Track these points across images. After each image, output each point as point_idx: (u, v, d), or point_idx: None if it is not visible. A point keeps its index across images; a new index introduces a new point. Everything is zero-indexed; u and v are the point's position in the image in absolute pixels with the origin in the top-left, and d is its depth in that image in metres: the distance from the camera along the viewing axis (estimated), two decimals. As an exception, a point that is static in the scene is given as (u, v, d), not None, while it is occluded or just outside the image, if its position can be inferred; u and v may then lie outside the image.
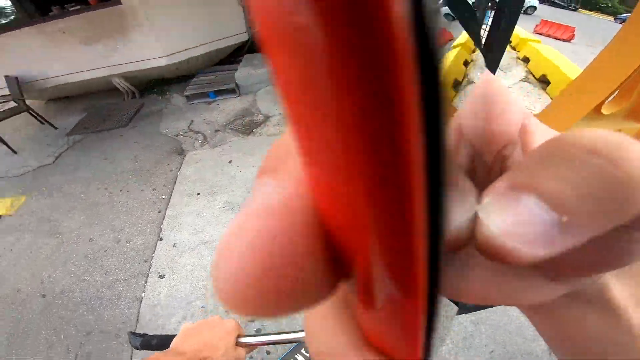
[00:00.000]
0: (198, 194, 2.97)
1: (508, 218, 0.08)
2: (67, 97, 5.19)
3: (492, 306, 0.55)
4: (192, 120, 3.97)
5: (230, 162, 3.22)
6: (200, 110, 4.15)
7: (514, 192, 0.08)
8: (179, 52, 4.18)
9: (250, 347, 0.58)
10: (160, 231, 2.69)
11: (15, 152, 4.03)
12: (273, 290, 0.06)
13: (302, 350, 0.94)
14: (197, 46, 4.33)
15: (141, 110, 4.43)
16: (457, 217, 0.08)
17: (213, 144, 3.54)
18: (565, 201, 0.07)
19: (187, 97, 4.28)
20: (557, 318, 0.15)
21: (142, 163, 3.45)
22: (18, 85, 4.14)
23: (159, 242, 2.60)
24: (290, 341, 0.57)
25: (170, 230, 2.69)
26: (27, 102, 4.39)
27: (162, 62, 4.13)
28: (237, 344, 0.55)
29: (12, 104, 4.23)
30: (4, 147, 4.00)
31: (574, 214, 0.07)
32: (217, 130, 3.75)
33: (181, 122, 3.99)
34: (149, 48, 4.10)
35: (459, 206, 0.08)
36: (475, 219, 0.09)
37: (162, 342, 0.59)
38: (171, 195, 3.00)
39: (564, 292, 0.13)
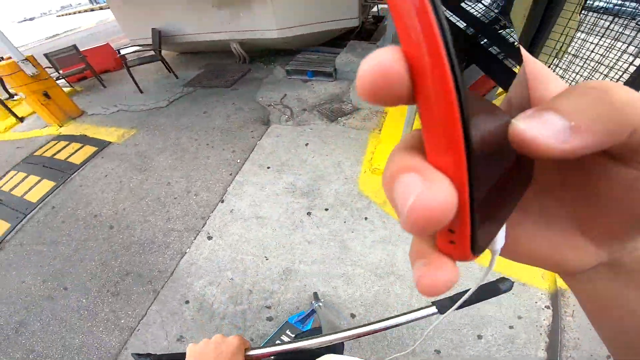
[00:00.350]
0: (268, 167, 2.98)
1: (532, 121, 0.12)
2: (193, 52, 5.86)
3: (471, 304, 0.52)
4: (285, 94, 4.01)
5: (306, 144, 3.14)
6: (295, 86, 4.18)
7: (538, 111, 0.12)
8: (290, 27, 4.23)
9: (259, 358, 0.58)
10: (225, 193, 2.77)
11: (141, 92, 4.72)
12: (383, 87, 0.11)
13: (288, 331, 1.09)
14: (308, 24, 4.32)
15: (246, 75, 4.68)
16: (493, 124, 0.12)
17: (297, 122, 3.51)
18: (572, 112, 0.11)
19: (287, 71, 4.35)
20: (598, 290, 0.17)
21: (231, 124, 3.63)
22: (159, 38, 4.77)
23: (220, 203, 2.69)
24: (295, 350, 0.56)
25: (233, 195, 2.75)
26: (162, 53, 5.07)
27: (274, 34, 4.25)
28: (246, 357, 0.56)
29: (151, 53, 4.94)
30: (134, 86, 4.73)
31: (579, 120, 0.11)
32: (304, 109, 3.70)
33: (275, 94, 4.08)
34: (265, 20, 4.25)
35: (496, 119, 0.13)
36: (509, 125, 0.13)
37: None
38: (245, 161, 3.07)
39: (606, 258, 0.16)
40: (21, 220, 2.94)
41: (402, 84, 0.11)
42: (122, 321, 2.09)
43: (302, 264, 2.23)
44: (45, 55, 5.18)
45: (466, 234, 0.13)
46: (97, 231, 2.67)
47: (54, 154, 3.66)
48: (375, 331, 0.55)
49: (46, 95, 4.08)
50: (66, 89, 5.37)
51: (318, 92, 3.96)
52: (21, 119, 4.65)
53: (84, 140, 3.80)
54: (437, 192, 0.11)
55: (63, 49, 5.26)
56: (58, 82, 5.05)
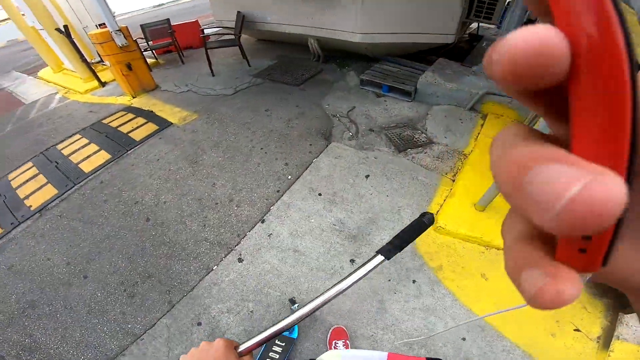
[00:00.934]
0: (320, 194, 2.59)
1: None
2: (270, 41, 5.66)
3: None
4: (354, 107, 3.57)
5: (367, 176, 2.68)
6: (366, 99, 3.71)
7: None
8: (375, 33, 3.74)
9: (250, 350, 0.57)
10: (267, 212, 2.45)
11: (213, 75, 4.64)
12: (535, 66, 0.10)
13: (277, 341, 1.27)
14: (395, 33, 3.78)
15: (317, 75, 4.32)
16: None
17: (360, 144, 3.05)
18: None
19: (361, 80, 3.89)
20: None
21: (291, 130, 3.31)
22: (242, 23, 4.60)
23: (259, 223, 2.39)
24: (282, 330, 0.55)
25: (276, 217, 2.42)
26: (241, 38, 4.92)
27: (356, 38, 3.80)
28: (240, 354, 0.56)
29: (231, 36, 4.81)
30: (208, 68, 4.65)
31: None
32: (371, 129, 3.23)
33: (343, 104, 3.66)
34: (349, 20, 3.80)
35: None
36: None
37: None
38: (297, 180, 2.73)
39: None
40: (69, 189, 2.96)
41: (563, 63, 0.10)
42: (129, 326, 1.91)
43: (330, 315, 1.87)
44: (141, 26, 5.38)
45: (606, 240, 0.11)
46: (134, 221, 2.55)
47: (119, 126, 3.70)
48: (343, 290, 0.55)
49: (129, 66, 4.15)
50: (150, 60, 5.56)
51: (390, 112, 3.45)
52: (103, 84, 4.88)
53: (149, 116, 3.79)
54: (610, 183, 0.09)
55: (157, 22, 5.40)
56: (146, 52, 5.22)
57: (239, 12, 4.96)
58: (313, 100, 3.77)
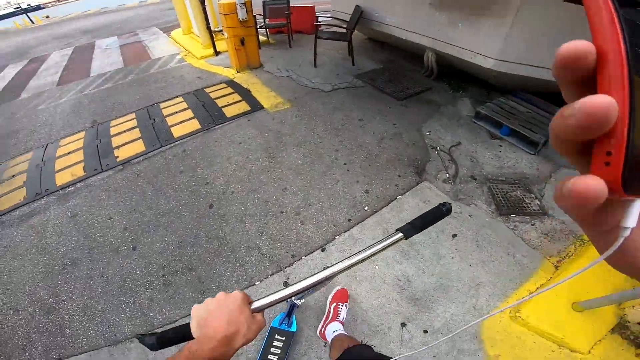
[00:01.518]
0: None
1: None
2: (381, 42, 5.22)
3: None
4: (459, 142, 2.99)
5: (453, 236, 2.16)
6: (477, 136, 3.07)
7: None
8: (515, 62, 3.03)
9: (262, 309, 0.56)
10: (331, 242, 2.14)
11: (315, 66, 4.42)
12: None
13: (277, 336, 1.28)
14: (541, 67, 3.01)
15: (424, 93, 3.79)
16: None
17: (456, 192, 2.50)
18: None
19: (477, 112, 3.25)
20: None
21: (381, 151, 2.90)
22: (358, 18, 4.27)
23: (319, 251, 2.11)
24: (294, 293, 0.55)
25: (338, 250, 2.08)
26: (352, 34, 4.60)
27: (489, 63, 3.14)
28: (252, 310, 0.55)
29: (343, 31, 4.52)
30: (313, 57, 4.44)
31: None
32: (473, 177, 2.64)
33: (448, 135, 3.09)
34: (487, 42, 3.15)
35: None
36: None
37: (180, 333, 0.53)
38: (373, 214, 2.33)
39: None
40: (155, 149, 3.06)
41: (591, 60, 0.16)
42: (151, 314, 1.82)
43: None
44: (263, 2, 5.44)
45: (621, 152, 0.16)
46: (198, 203, 2.49)
47: (217, 98, 3.75)
48: (361, 260, 0.56)
49: (242, 41, 4.19)
50: (262, 38, 5.62)
51: (503, 161, 2.78)
52: (217, 53, 5.07)
53: (245, 95, 3.77)
54: (601, 97, 0.15)
55: (278, 1, 5.41)
56: (260, 30, 5.28)
57: (357, 6, 4.62)
58: (413, 121, 3.29)
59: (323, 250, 2.11)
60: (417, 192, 2.50)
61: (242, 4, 3.97)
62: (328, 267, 0.56)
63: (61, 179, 2.82)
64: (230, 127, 3.28)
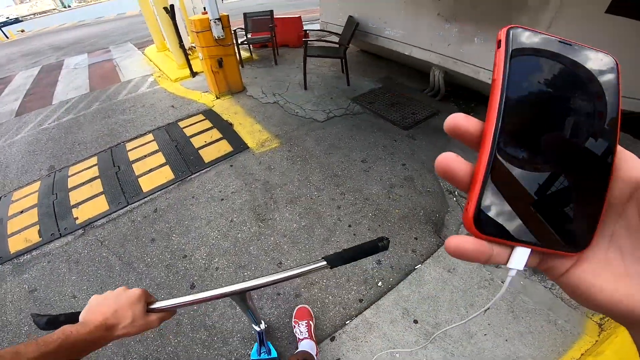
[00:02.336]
0: (415, 321, 1.63)
1: None
2: (376, 55, 4.64)
3: None
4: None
5: (486, 309, 1.64)
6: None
7: None
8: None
9: (163, 312, 0.57)
10: (341, 328, 1.60)
11: (305, 88, 3.82)
12: None
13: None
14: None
15: (432, 118, 3.23)
16: None
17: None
18: None
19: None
20: None
21: (391, 205, 2.30)
22: (353, 31, 3.67)
23: (327, 340, 1.55)
24: (197, 301, 0.56)
25: (351, 338, 1.56)
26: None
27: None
28: (149, 310, 0.56)
29: (335, 45, 3.92)
30: (302, 75, 3.81)
31: None
32: None
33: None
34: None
35: None
36: None
37: (70, 318, 0.54)
38: (388, 291, 1.79)
39: None
40: (121, 209, 2.46)
41: (472, 133, 0.20)
42: None
43: None
44: (244, 14, 4.80)
45: (473, 201, 0.19)
46: (177, 282, 1.94)
47: (192, 136, 3.12)
48: (275, 282, 0.57)
49: (219, 63, 3.55)
50: (245, 54, 4.98)
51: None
52: (194, 74, 4.42)
53: (226, 131, 3.14)
54: (449, 154, 0.20)
55: (260, 12, 4.77)
56: (242, 45, 4.64)
57: (350, 17, 4.02)
58: (424, 158, 2.73)
59: (332, 339, 1.57)
60: (439, 258, 1.95)
61: (217, 19, 3.33)
62: (242, 282, 0.57)
63: (15, 245, 2.33)
64: (209, 176, 2.67)
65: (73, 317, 0.54)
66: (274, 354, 1.38)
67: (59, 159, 3.21)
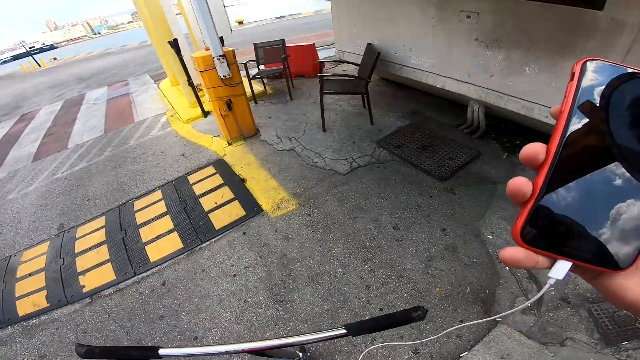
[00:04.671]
0: None
1: None
2: (400, 84, 4.22)
3: None
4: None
5: None
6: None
7: None
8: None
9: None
10: None
11: (324, 130, 3.46)
12: None
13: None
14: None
15: (472, 163, 2.77)
16: None
17: (542, 328, 1.50)
18: None
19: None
20: None
21: (430, 283, 1.91)
22: (375, 62, 3.27)
23: None
24: (219, 353, 0.56)
25: None
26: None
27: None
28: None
29: (354, 78, 3.54)
30: (319, 113, 3.43)
31: None
32: (565, 300, 1.63)
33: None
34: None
35: None
36: None
37: (104, 352, 0.57)
38: None
39: None
40: (127, 279, 2.28)
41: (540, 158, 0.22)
42: None
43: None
44: (255, 45, 4.55)
45: (524, 215, 0.22)
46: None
47: (202, 195, 2.84)
48: (287, 345, 0.55)
49: (229, 105, 3.27)
50: (257, 87, 4.72)
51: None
52: (206, 114, 4.20)
53: (238, 189, 2.82)
54: (517, 179, 0.22)
55: (271, 42, 4.51)
56: (253, 79, 4.38)
57: (370, 45, 3.65)
58: (467, 219, 2.29)
59: None
60: (489, 343, 1.59)
61: (221, 56, 3.01)
62: (260, 341, 0.57)
63: (23, 308, 2.28)
64: (221, 246, 2.36)
65: (109, 351, 0.57)
66: None
67: (69, 216, 3.05)
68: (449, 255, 2.07)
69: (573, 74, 0.21)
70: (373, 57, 3.28)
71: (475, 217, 2.29)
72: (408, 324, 0.53)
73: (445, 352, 1.61)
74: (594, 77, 0.20)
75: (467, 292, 1.86)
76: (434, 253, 2.09)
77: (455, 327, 1.74)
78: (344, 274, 2.04)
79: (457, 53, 2.84)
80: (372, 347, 1.01)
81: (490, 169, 2.69)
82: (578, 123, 0.20)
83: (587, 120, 0.20)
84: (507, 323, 1.68)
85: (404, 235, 2.22)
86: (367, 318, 0.55)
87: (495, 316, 0.40)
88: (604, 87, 0.20)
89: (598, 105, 0.20)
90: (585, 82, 0.20)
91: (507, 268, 1.95)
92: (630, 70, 0.20)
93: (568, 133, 0.20)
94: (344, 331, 0.54)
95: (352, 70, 3.85)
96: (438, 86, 3.10)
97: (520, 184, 0.22)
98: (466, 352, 1.59)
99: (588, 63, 0.20)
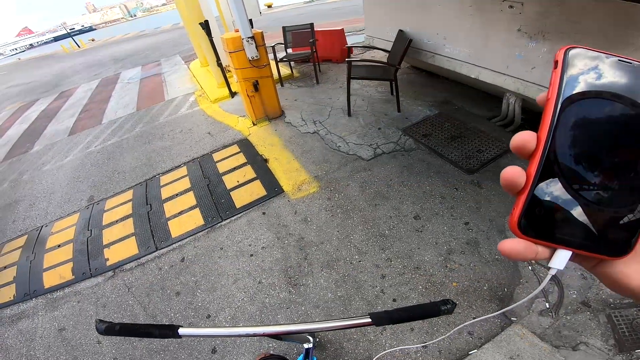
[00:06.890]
0: None
1: None
2: (431, 73, 4.05)
3: None
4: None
5: None
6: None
7: None
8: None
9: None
10: None
11: (349, 114, 3.40)
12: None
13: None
14: None
15: (502, 157, 2.63)
16: None
17: (557, 330, 1.43)
18: None
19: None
20: None
21: (448, 277, 1.85)
22: (405, 49, 3.15)
23: None
24: (237, 336, 0.57)
25: None
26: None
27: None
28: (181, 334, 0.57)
29: (383, 65, 3.43)
30: (345, 98, 3.39)
31: None
32: (586, 304, 1.51)
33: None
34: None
35: None
36: None
37: (125, 329, 0.58)
38: None
39: None
40: (149, 254, 2.35)
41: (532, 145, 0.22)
42: None
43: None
44: (283, 28, 4.51)
45: (519, 204, 0.22)
46: (198, 344, 1.74)
47: (225, 172, 2.89)
48: (310, 331, 0.56)
49: (255, 86, 3.28)
50: (284, 70, 4.70)
51: None
52: (233, 94, 4.24)
53: (261, 168, 2.85)
54: (510, 168, 0.22)
55: (300, 26, 4.45)
56: (281, 62, 4.36)
57: (401, 31, 3.51)
58: (493, 214, 2.18)
59: None
60: (501, 342, 1.52)
61: (250, 38, 3.02)
62: (279, 325, 0.57)
63: (49, 280, 2.35)
64: (240, 225, 2.41)
65: (128, 328, 0.57)
66: None
67: (99, 188, 3.20)
68: (469, 250, 1.99)
69: (556, 62, 0.21)
70: (404, 44, 3.15)
71: (501, 213, 2.18)
72: (436, 316, 0.52)
73: (454, 347, 1.57)
74: (577, 64, 0.21)
75: (485, 289, 1.79)
76: (454, 247, 2.02)
77: (466, 323, 1.69)
78: (359, 261, 2.02)
79: (495, 43, 2.67)
80: (384, 352, 1.00)
81: (523, 165, 2.54)
82: (565, 110, 0.20)
83: (574, 107, 0.20)
84: (522, 323, 1.60)
85: (425, 226, 2.16)
86: (391, 309, 0.54)
87: (502, 310, 0.40)
88: (587, 74, 0.20)
89: (582, 92, 0.20)
90: (569, 70, 0.21)
91: (530, 267, 1.85)
92: (613, 57, 0.20)
93: (556, 121, 0.20)
94: (369, 320, 0.53)
95: (381, 57, 3.72)
96: (472, 76, 2.94)
97: (514, 173, 0.22)
98: (475, 350, 1.53)
99: (570, 51, 0.21)
